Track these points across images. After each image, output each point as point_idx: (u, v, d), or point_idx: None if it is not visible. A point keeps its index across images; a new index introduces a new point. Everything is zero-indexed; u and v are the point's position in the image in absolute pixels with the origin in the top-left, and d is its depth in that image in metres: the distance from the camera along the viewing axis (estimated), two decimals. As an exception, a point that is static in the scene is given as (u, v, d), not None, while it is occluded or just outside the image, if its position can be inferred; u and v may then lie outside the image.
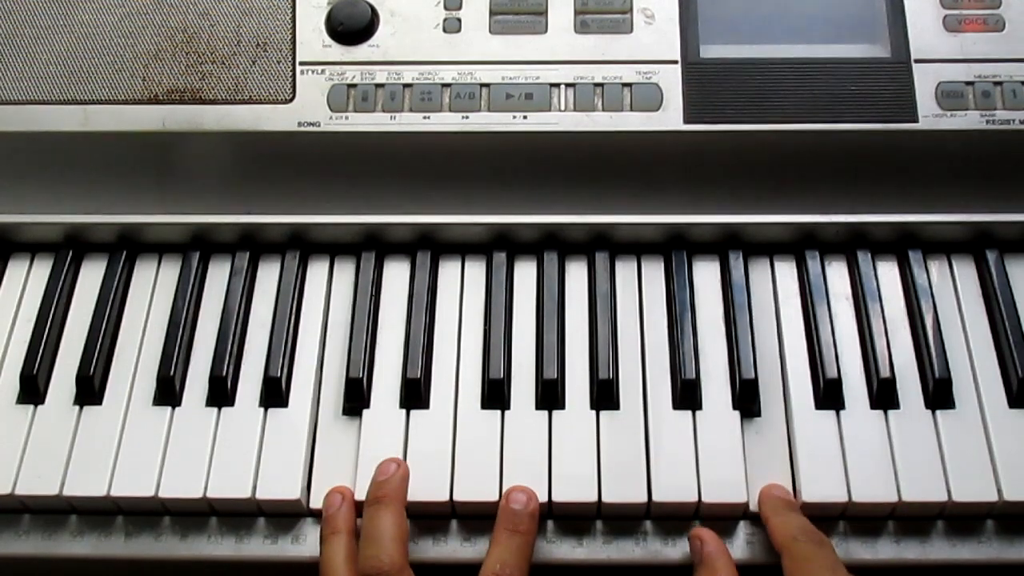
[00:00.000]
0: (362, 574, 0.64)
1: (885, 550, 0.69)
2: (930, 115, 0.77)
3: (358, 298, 0.77)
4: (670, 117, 0.77)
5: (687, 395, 0.73)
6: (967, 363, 0.74)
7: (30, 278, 0.80)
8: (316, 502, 0.70)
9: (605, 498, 0.69)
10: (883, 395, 0.72)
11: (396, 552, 0.64)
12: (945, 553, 0.69)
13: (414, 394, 0.73)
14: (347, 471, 0.70)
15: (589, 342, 0.76)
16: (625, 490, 0.69)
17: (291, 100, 0.78)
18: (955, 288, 0.78)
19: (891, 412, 0.72)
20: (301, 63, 0.79)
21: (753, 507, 0.69)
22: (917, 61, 0.78)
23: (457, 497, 0.69)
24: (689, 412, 0.72)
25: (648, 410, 0.73)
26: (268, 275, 0.79)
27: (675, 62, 0.79)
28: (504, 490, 0.69)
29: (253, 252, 0.80)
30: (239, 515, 0.71)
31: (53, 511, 0.71)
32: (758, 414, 0.73)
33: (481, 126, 0.78)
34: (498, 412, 0.72)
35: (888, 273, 0.78)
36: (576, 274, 0.79)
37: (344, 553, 0.66)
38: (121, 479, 0.70)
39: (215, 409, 0.73)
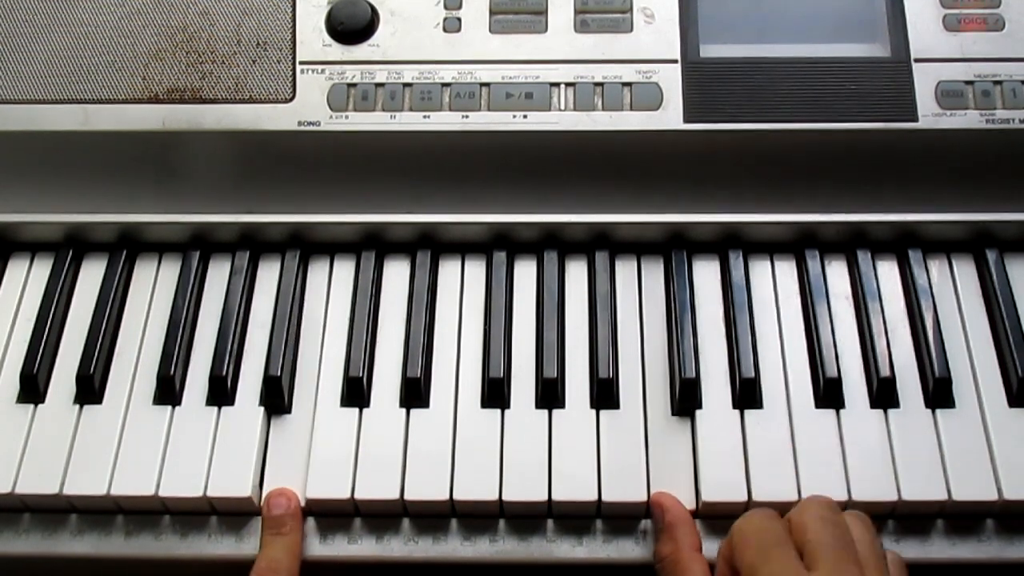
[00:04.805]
0: None
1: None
2: (930, 114, 0.77)
3: (358, 297, 0.77)
4: (670, 116, 0.77)
5: (687, 394, 0.73)
6: (967, 362, 0.74)
7: (30, 278, 0.80)
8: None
9: (605, 497, 0.69)
10: (883, 394, 0.72)
11: None
12: (945, 552, 0.69)
13: (414, 393, 0.73)
14: (347, 470, 0.70)
15: (589, 341, 0.76)
16: (625, 489, 0.69)
17: (291, 100, 0.78)
18: (955, 287, 0.78)
19: (891, 411, 0.72)
20: (301, 63, 0.79)
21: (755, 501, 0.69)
22: (917, 60, 0.78)
23: (457, 496, 0.69)
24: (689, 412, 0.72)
25: (648, 409, 0.73)
26: (268, 275, 0.79)
27: (675, 61, 0.79)
28: (497, 488, 0.69)
29: (253, 252, 0.80)
30: (239, 514, 0.70)
31: (53, 510, 0.71)
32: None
33: (481, 126, 0.78)
34: (498, 411, 0.72)
35: (888, 273, 0.78)
36: (576, 273, 0.79)
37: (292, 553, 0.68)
38: (121, 478, 0.70)
39: (215, 408, 0.73)
